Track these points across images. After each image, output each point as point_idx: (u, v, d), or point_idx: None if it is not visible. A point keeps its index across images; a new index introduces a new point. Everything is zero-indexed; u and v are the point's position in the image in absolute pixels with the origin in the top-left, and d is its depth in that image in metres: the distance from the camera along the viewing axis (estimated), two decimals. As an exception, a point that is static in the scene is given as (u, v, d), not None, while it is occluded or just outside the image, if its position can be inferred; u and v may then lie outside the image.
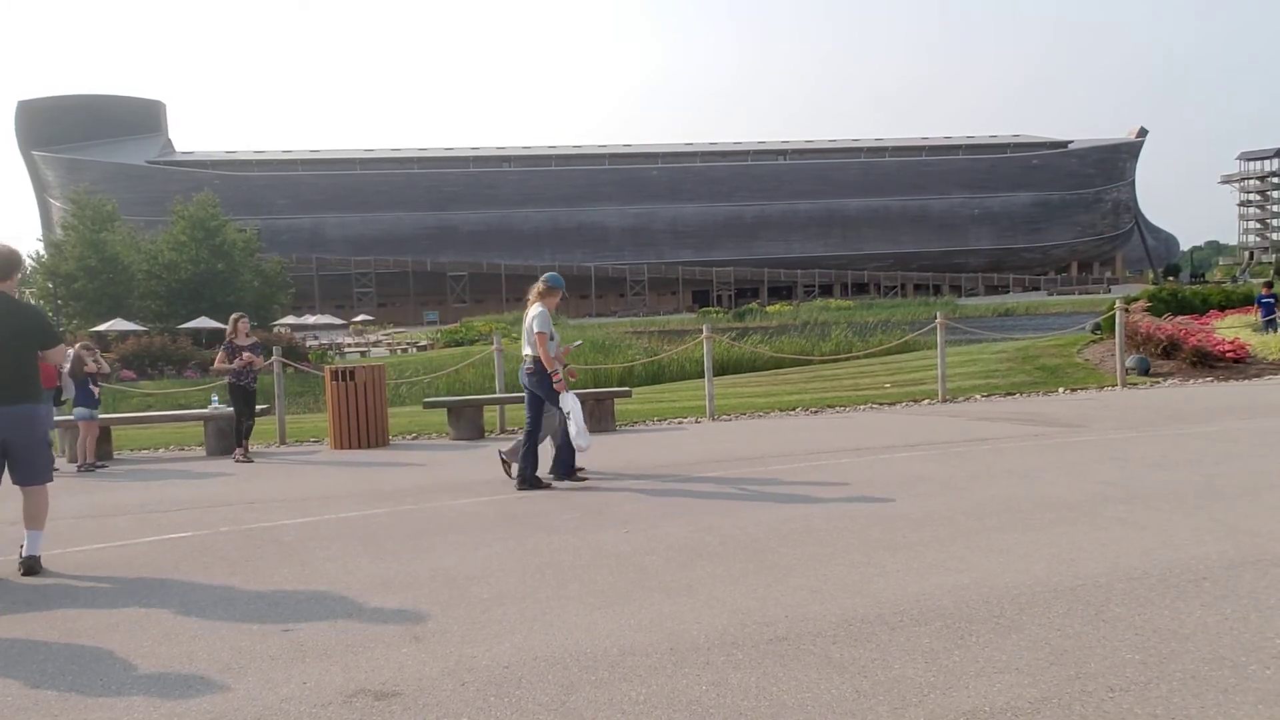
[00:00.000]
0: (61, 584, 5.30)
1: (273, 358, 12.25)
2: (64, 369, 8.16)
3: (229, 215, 58.52)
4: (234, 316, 10.72)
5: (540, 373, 7.50)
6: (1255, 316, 18.32)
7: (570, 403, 7.39)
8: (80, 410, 10.36)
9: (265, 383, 12.21)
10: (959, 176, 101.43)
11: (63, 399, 8.84)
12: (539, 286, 7.73)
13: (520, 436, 7.98)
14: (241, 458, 10.31)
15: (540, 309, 7.55)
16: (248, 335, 10.65)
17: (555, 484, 7.66)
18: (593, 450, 7.56)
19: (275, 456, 10.82)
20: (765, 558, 5.15)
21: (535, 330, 7.42)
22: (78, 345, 10.75)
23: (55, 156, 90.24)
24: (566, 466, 7.72)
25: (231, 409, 10.65)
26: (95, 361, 10.66)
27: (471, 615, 4.35)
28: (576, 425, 7.31)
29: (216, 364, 10.58)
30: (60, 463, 10.77)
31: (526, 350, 7.62)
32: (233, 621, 4.42)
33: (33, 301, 50.76)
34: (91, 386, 10.55)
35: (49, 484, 5.70)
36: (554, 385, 7.45)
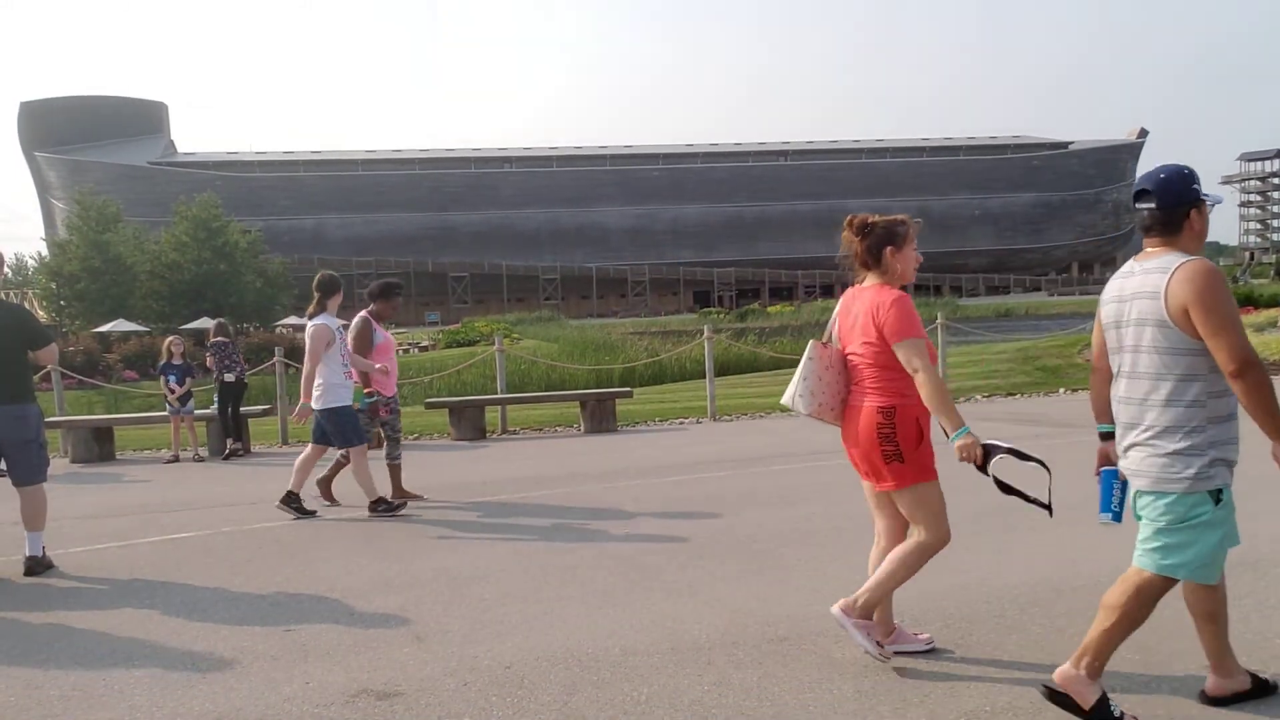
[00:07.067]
0: (63, 584, 5.31)
1: (275, 358, 12.32)
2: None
3: (231, 216, 58.53)
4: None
5: None
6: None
7: None
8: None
9: (268, 383, 12.22)
10: (960, 177, 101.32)
11: None
12: None
13: None
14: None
15: None
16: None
17: None
18: (594, 451, 7.57)
19: (277, 456, 10.83)
20: (766, 558, 5.15)
21: None
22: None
23: (57, 157, 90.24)
24: None
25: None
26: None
27: (473, 615, 4.36)
28: None
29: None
30: (63, 463, 10.79)
31: None
32: (235, 622, 4.43)
33: (36, 302, 50.87)
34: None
35: (44, 484, 5.72)
36: None
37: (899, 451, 3.43)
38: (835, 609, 3.53)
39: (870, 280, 3.59)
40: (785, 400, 3.69)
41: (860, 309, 3.53)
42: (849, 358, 3.58)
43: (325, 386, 6.83)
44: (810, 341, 3.67)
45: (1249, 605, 4.03)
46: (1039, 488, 3.41)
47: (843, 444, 3.68)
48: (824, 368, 3.59)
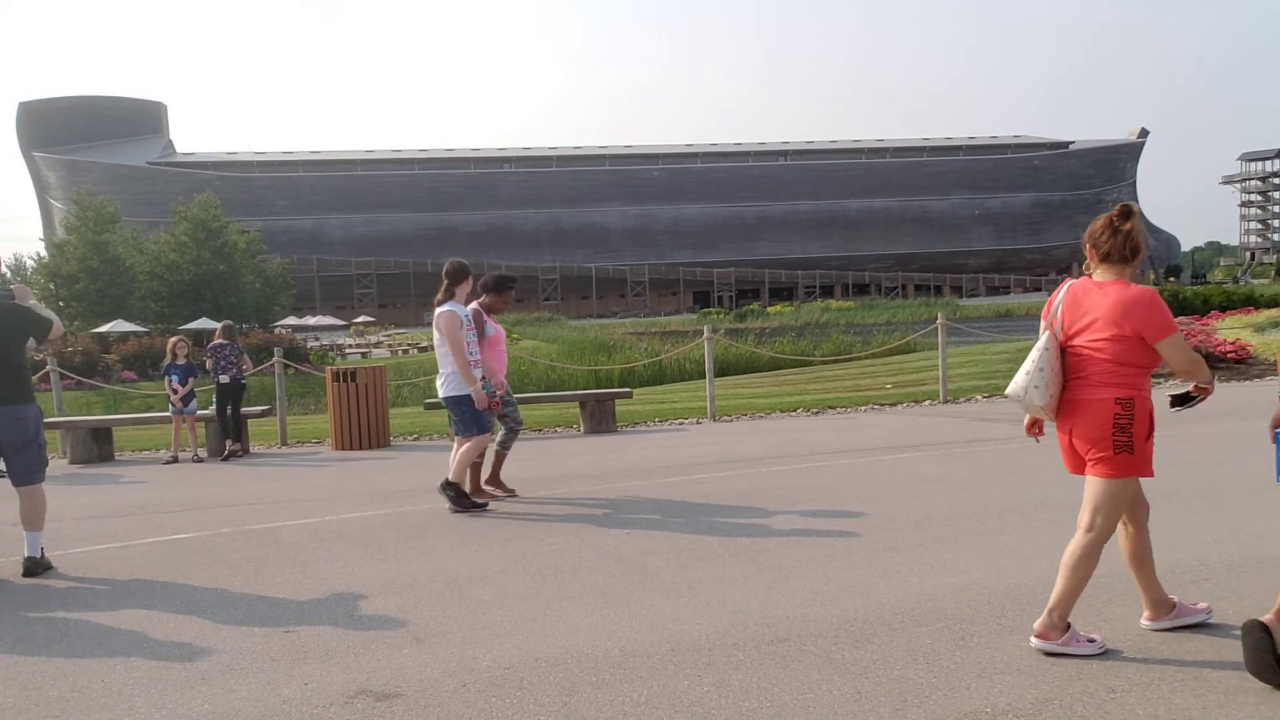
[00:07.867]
0: (62, 585, 5.30)
1: (274, 359, 12.31)
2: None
3: (230, 216, 58.58)
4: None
5: None
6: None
7: None
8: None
9: (267, 383, 12.23)
10: (960, 177, 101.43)
11: None
12: None
13: None
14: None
15: None
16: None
17: None
18: (593, 451, 7.56)
19: (276, 457, 10.82)
20: (766, 559, 5.14)
21: None
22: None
23: (56, 158, 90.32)
24: None
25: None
26: None
27: (473, 616, 4.35)
28: None
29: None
30: (61, 464, 10.78)
31: None
32: (234, 623, 4.42)
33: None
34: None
35: (42, 484, 5.71)
36: None
37: (1131, 443, 3.46)
38: (1035, 641, 3.61)
39: (1103, 274, 3.56)
40: (1014, 392, 3.67)
41: (1105, 302, 3.48)
42: (1078, 349, 3.55)
43: (453, 373, 6.82)
44: (1047, 332, 3.64)
45: (1250, 606, 4.01)
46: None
47: (1059, 434, 3.70)
48: (1055, 358, 3.60)
